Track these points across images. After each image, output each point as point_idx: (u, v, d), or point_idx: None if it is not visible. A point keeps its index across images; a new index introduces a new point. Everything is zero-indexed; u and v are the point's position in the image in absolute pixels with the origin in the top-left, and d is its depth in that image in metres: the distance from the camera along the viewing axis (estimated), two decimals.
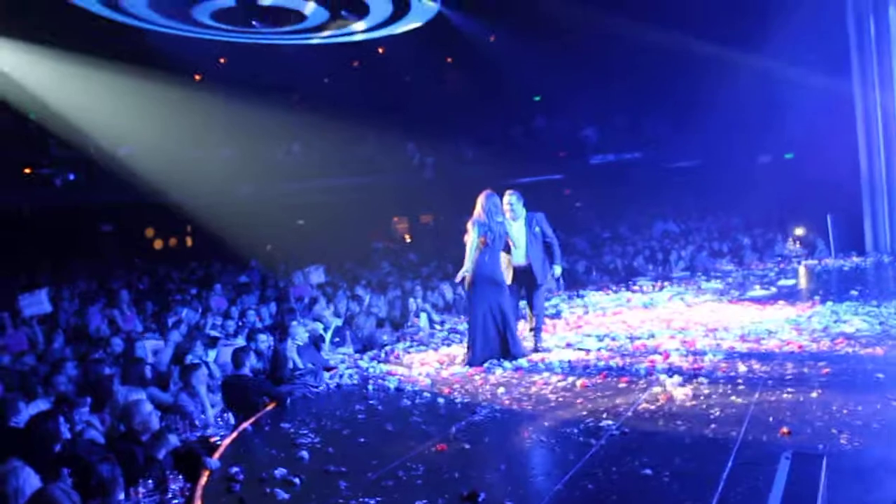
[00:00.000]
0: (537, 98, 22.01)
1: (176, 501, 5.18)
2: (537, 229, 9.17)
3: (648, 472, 5.12)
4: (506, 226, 8.92)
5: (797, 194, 16.72)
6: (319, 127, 18.27)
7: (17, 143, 17.90)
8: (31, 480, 4.64)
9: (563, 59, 18.85)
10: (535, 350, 9.11)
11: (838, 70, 15.86)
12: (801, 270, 14.92)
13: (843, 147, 15.90)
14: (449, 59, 22.34)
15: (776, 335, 8.99)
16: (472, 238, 8.70)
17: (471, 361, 8.67)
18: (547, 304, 12.59)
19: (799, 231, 17.00)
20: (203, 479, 5.56)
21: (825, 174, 15.84)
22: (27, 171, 18.72)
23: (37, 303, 10.44)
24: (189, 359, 8.37)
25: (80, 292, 13.94)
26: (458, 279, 8.98)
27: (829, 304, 10.63)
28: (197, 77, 19.75)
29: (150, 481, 5.22)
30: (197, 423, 7.02)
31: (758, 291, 12.56)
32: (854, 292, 11.30)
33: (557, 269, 9.40)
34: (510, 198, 9.15)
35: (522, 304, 9.55)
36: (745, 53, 16.94)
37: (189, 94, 17.41)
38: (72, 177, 18.41)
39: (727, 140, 18.17)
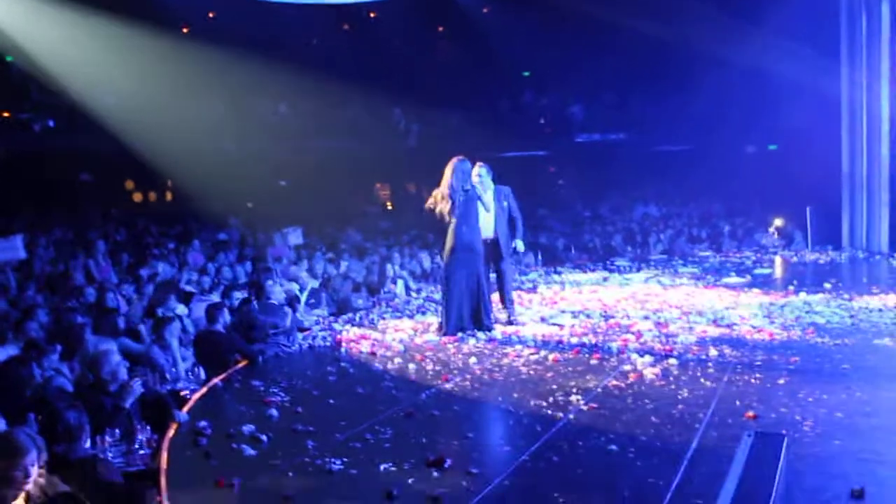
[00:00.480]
0: (527, 73, 21.89)
1: (142, 452, 5.17)
2: (504, 203, 9.22)
3: (614, 447, 5.18)
4: (477, 191, 8.91)
5: (779, 186, 16.80)
6: (305, 87, 18.07)
7: None
8: None
9: (555, 34, 18.72)
10: (509, 323, 9.16)
11: (828, 65, 15.86)
12: (778, 261, 15.04)
13: (827, 142, 15.97)
14: (441, 29, 22.16)
15: (748, 322, 9.08)
16: (434, 201, 8.73)
17: (445, 330, 8.69)
18: (524, 278, 12.70)
19: (778, 222, 17.10)
20: (170, 432, 5.56)
21: (807, 168, 15.91)
22: (5, 114, 18.36)
23: (11, 248, 10.26)
24: (162, 312, 8.33)
25: (56, 240, 13.78)
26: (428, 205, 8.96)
27: (803, 294, 10.74)
28: (185, 29, 19.44)
29: (116, 430, 5.20)
30: (167, 376, 7.00)
31: (733, 278, 12.66)
32: (827, 285, 11.41)
33: (520, 244, 9.53)
34: (480, 170, 9.15)
35: (493, 276, 9.58)
36: (738, 42, 16.88)
37: (175, 45, 17.12)
38: (51, 123, 18.06)
39: (714, 127, 18.15)
